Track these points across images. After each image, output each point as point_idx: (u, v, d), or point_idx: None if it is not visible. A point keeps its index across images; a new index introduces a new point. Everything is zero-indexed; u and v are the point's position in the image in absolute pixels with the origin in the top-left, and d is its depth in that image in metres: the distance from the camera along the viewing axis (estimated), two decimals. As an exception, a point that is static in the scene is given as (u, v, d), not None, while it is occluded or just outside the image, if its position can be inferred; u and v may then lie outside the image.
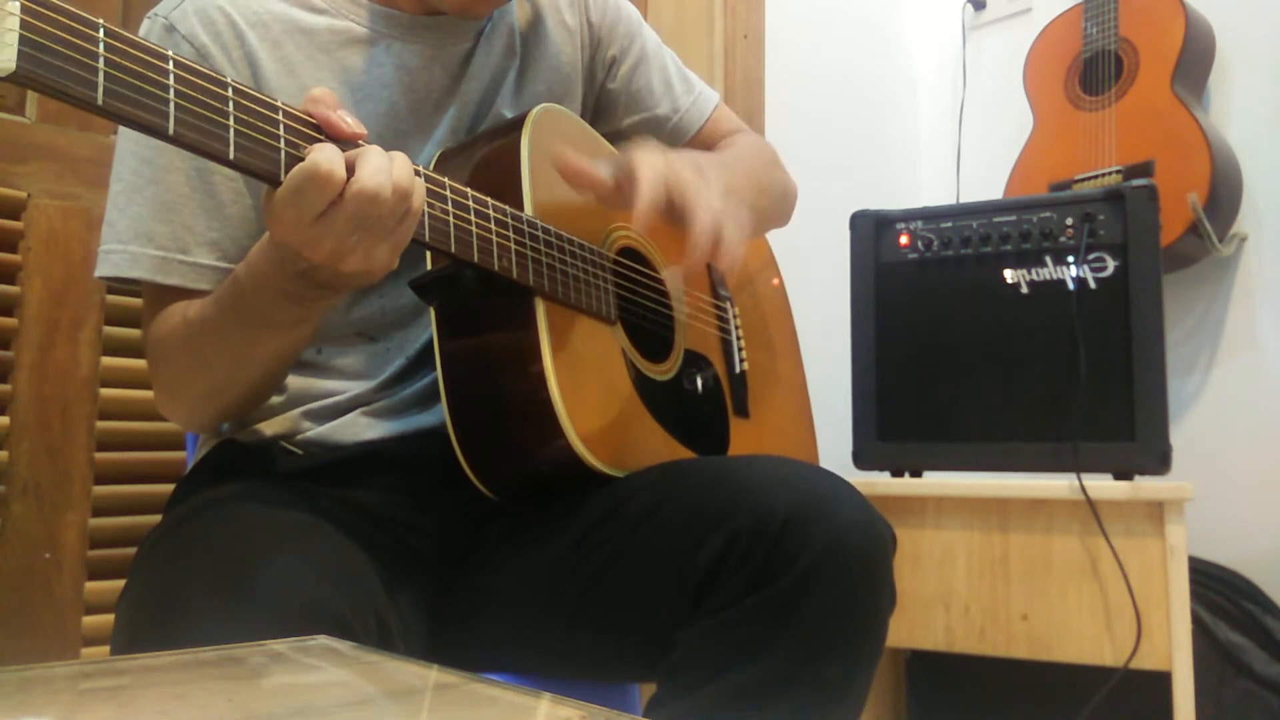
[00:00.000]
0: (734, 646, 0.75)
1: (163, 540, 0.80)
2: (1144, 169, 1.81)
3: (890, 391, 1.56)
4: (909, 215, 1.59)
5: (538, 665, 0.87)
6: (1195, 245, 1.80)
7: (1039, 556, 1.44)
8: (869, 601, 0.77)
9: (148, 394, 1.23)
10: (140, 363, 1.24)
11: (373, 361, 0.91)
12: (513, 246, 0.81)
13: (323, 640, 0.56)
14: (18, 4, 0.52)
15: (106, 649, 0.77)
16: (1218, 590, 1.71)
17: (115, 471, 1.23)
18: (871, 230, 1.59)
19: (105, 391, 1.23)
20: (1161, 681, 1.34)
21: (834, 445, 1.52)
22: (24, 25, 0.52)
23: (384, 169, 0.66)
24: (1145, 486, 1.38)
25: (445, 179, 0.77)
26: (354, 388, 0.89)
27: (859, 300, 1.59)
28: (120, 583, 0.79)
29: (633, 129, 1.10)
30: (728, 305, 1.13)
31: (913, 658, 1.71)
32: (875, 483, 1.55)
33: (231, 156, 0.62)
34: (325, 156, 0.64)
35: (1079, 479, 1.40)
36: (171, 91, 0.59)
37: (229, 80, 0.62)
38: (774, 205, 1.15)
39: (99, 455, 1.22)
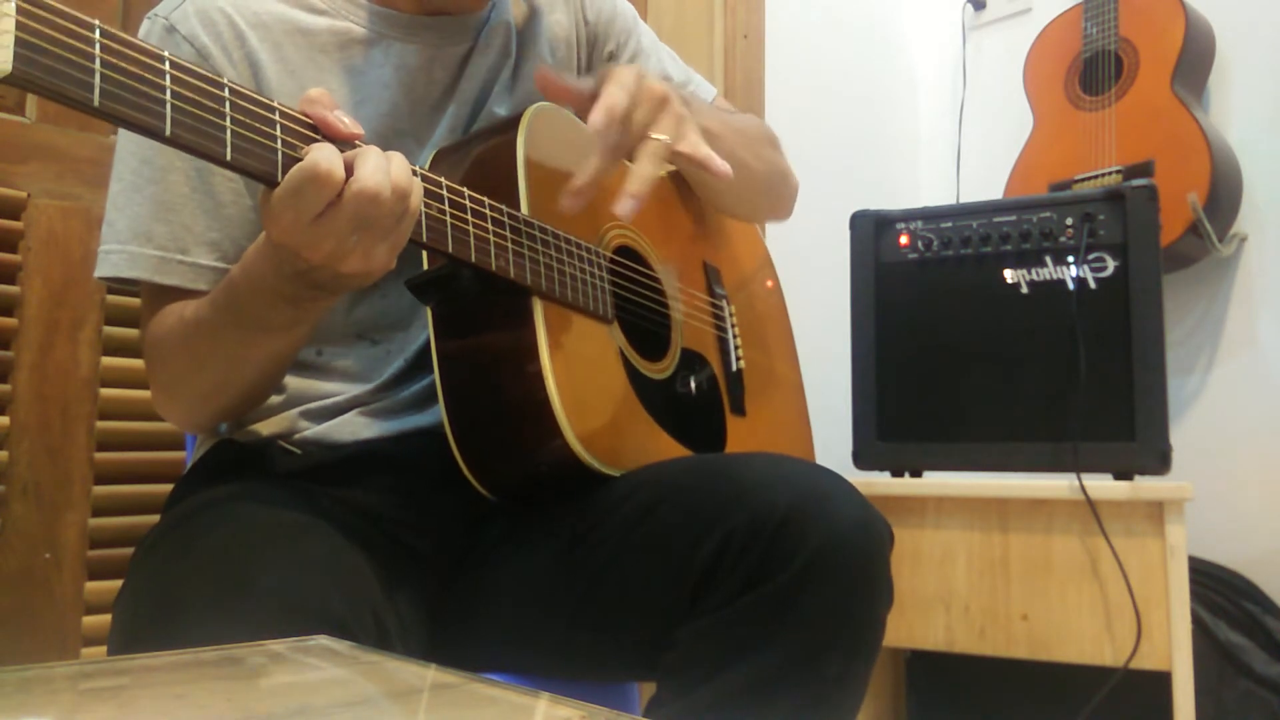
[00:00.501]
0: (732, 645, 0.75)
1: (161, 540, 0.80)
2: (1144, 169, 1.81)
3: (890, 391, 1.56)
4: (909, 215, 1.59)
5: (537, 665, 0.87)
6: (1195, 245, 1.80)
7: (1039, 556, 1.44)
8: (866, 599, 0.77)
9: (147, 394, 1.22)
10: (140, 363, 1.24)
11: (372, 363, 0.91)
12: (509, 246, 0.81)
13: (322, 640, 0.56)
14: (13, 5, 0.51)
15: (106, 649, 0.77)
16: (1218, 590, 1.71)
17: (115, 471, 1.23)
18: (871, 230, 1.59)
19: (105, 391, 1.23)
20: (1161, 681, 1.34)
21: (834, 445, 1.52)
22: (20, 27, 0.52)
23: (383, 168, 0.66)
24: (1145, 486, 1.38)
25: (442, 179, 0.77)
26: (353, 389, 0.89)
27: (859, 300, 1.59)
28: (120, 583, 0.79)
29: None
30: (724, 304, 1.13)
31: (913, 658, 1.71)
32: (875, 483, 1.55)
33: (228, 157, 0.62)
34: (324, 156, 0.63)
35: (1079, 479, 1.39)
36: (168, 93, 0.59)
37: (225, 81, 0.62)
38: (768, 176, 1.12)
39: (99, 455, 1.22)
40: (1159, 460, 1.38)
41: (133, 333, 1.25)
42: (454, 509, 0.89)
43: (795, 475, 0.80)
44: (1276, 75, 1.90)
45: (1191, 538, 1.38)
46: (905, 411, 1.55)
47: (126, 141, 0.85)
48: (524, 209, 0.85)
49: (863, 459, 1.56)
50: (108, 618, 0.80)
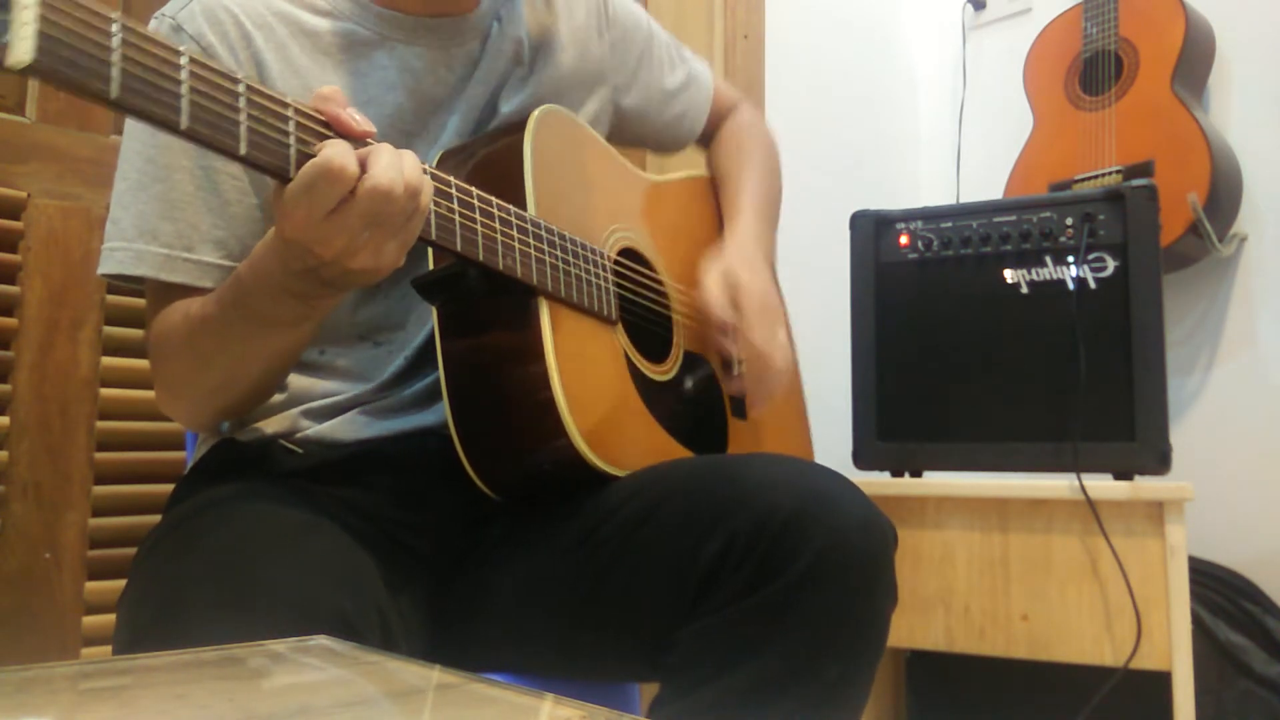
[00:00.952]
0: (735, 645, 0.75)
1: (163, 540, 0.80)
2: (1144, 169, 1.81)
3: (890, 391, 1.56)
4: (909, 215, 1.59)
5: (538, 665, 0.87)
6: (1195, 245, 1.80)
7: (1039, 556, 1.44)
8: (870, 600, 0.77)
9: (148, 394, 1.23)
10: (140, 363, 1.24)
11: (373, 363, 0.91)
12: (516, 245, 0.82)
13: (323, 640, 0.56)
14: None
15: (107, 649, 0.77)
16: (1218, 590, 1.71)
17: (115, 471, 1.23)
18: (871, 230, 1.59)
19: (105, 391, 1.23)
20: (1161, 681, 1.34)
21: (834, 445, 1.52)
22: (41, 19, 0.52)
23: (395, 165, 0.66)
24: (1145, 486, 1.38)
25: (451, 178, 0.78)
26: (354, 388, 0.89)
27: (859, 300, 1.59)
28: (120, 583, 0.79)
29: (663, 129, 1.17)
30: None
31: (913, 658, 1.71)
32: (875, 483, 1.55)
33: (243, 152, 0.62)
34: (338, 152, 0.64)
35: (1079, 479, 1.39)
36: (184, 87, 0.59)
37: (240, 77, 0.63)
38: (778, 207, 1.19)
39: (99, 455, 1.22)
40: (1159, 460, 1.38)
41: (133, 333, 1.25)
42: (455, 508, 0.89)
43: (799, 476, 0.80)
44: (1276, 75, 1.90)
45: (1191, 538, 1.38)
46: (905, 411, 1.55)
47: (132, 141, 0.85)
48: (531, 210, 0.85)
49: (863, 459, 1.56)
50: (108, 618, 0.80)
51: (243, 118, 0.62)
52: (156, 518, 0.87)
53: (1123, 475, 1.41)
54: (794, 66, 2.06)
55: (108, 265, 0.84)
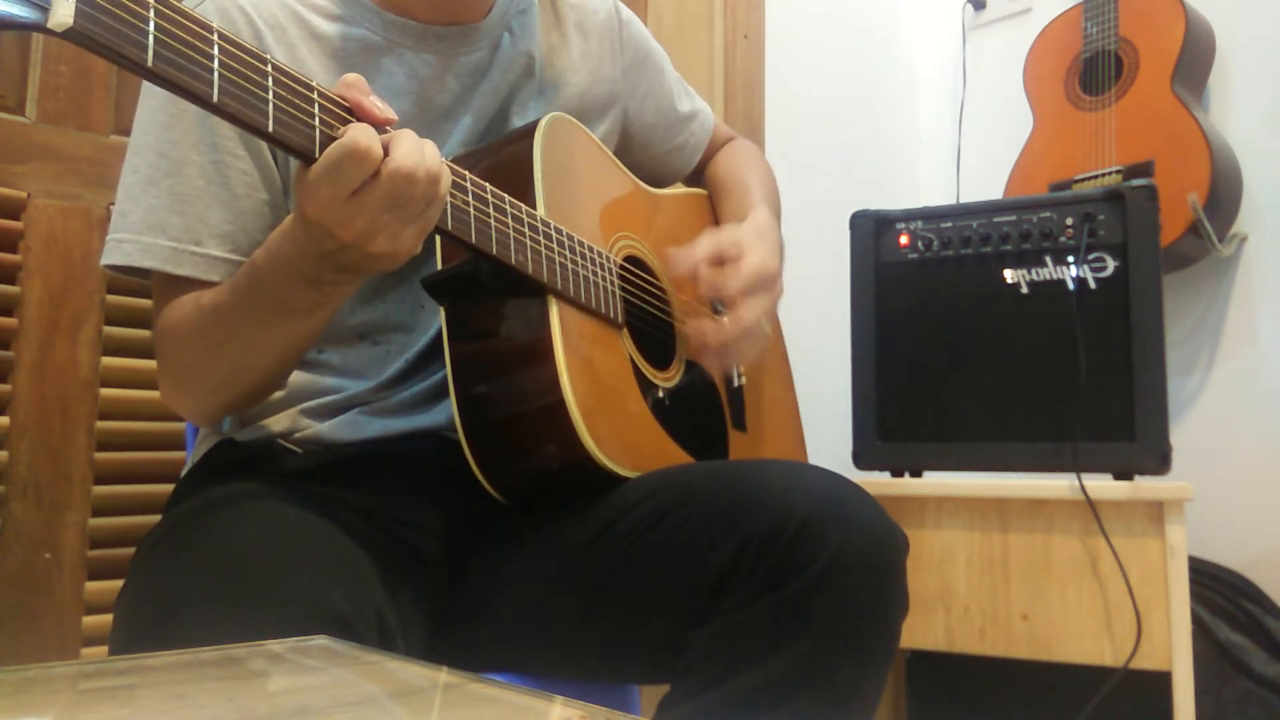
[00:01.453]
0: (747, 647, 0.75)
1: (162, 540, 0.80)
2: (1144, 169, 1.81)
3: (890, 391, 1.56)
4: (909, 215, 1.59)
5: (541, 665, 0.87)
6: (1195, 245, 1.80)
7: (1039, 556, 1.44)
8: (882, 605, 0.77)
9: (148, 394, 1.23)
10: (140, 362, 1.24)
11: (373, 362, 0.91)
12: (528, 243, 0.82)
13: (323, 640, 0.56)
14: None
15: (106, 649, 0.77)
16: (1218, 590, 1.71)
17: (115, 471, 1.23)
18: (871, 230, 1.59)
19: (105, 391, 1.23)
20: (1161, 681, 1.34)
21: (834, 445, 1.52)
22: None
23: (418, 150, 0.68)
24: (1145, 486, 1.38)
25: (467, 171, 0.78)
26: (353, 386, 0.90)
27: (859, 300, 1.59)
28: (120, 583, 0.79)
29: (661, 157, 1.17)
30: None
31: (913, 658, 1.71)
32: (875, 483, 1.55)
33: (270, 129, 0.63)
34: (364, 134, 0.66)
35: (1079, 479, 1.39)
36: (216, 61, 0.60)
37: (268, 57, 0.64)
38: (780, 219, 1.20)
39: (99, 455, 1.22)
40: (1159, 460, 1.38)
41: (133, 333, 1.25)
42: (456, 508, 0.89)
43: (814, 482, 0.80)
44: (1276, 75, 1.90)
45: (1191, 538, 1.38)
46: (905, 411, 1.55)
47: (144, 135, 0.85)
48: (540, 212, 0.86)
49: (863, 459, 1.56)
50: (108, 618, 0.80)
51: (270, 96, 0.63)
52: (156, 518, 0.87)
53: (1123, 475, 1.41)
54: (794, 66, 2.06)
55: (114, 256, 0.84)
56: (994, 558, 1.47)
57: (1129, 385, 1.40)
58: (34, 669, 0.48)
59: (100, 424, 1.22)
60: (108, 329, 1.23)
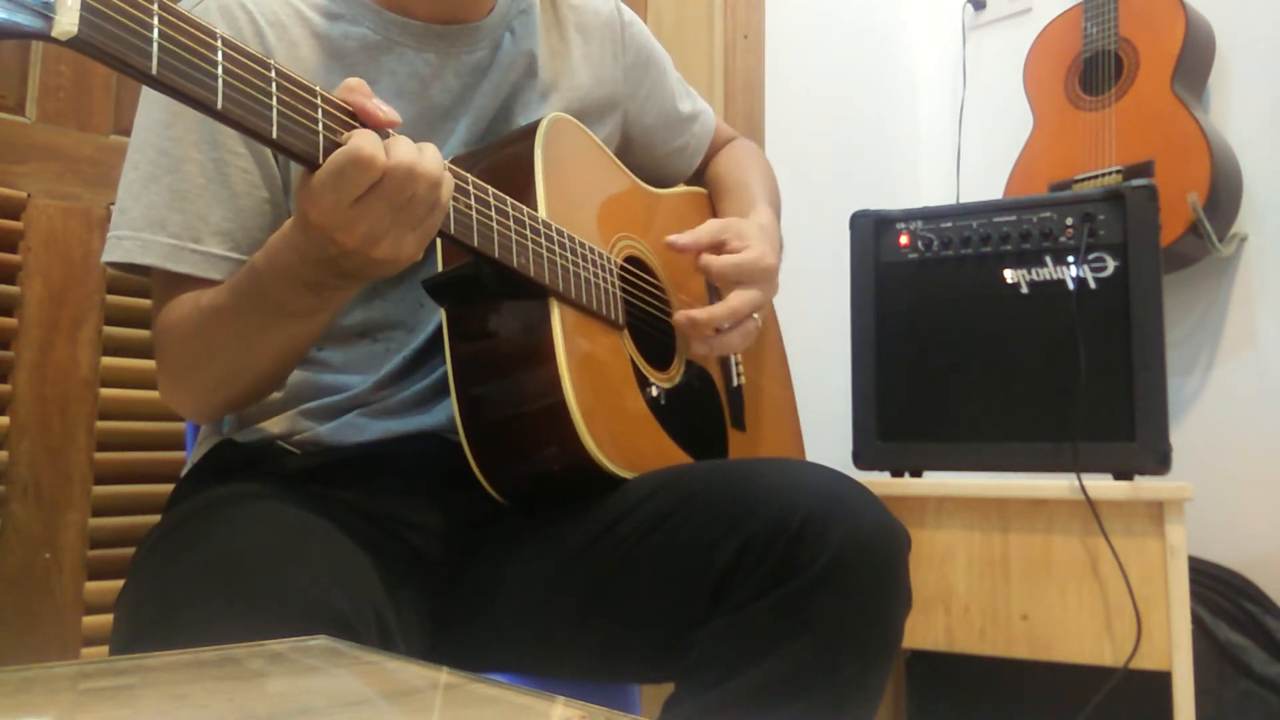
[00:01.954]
0: (750, 645, 0.75)
1: (162, 540, 0.80)
2: (1144, 169, 1.81)
3: (890, 391, 1.56)
4: (909, 215, 1.59)
5: (541, 665, 0.87)
6: (1195, 245, 1.80)
7: (1039, 556, 1.44)
8: (884, 602, 0.77)
9: (148, 394, 1.23)
10: (140, 363, 1.24)
11: (372, 359, 0.91)
12: (529, 245, 0.82)
13: (323, 640, 0.56)
14: None
15: (106, 649, 0.77)
16: (1218, 590, 1.71)
17: (115, 471, 1.23)
18: (871, 230, 1.59)
19: (105, 391, 1.23)
20: (1161, 681, 1.34)
21: (834, 445, 1.52)
22: None
23: (420, 156, 0.68)
24: (1145, 486, 1.38)
25: (468, 175, 0.78)
26: (352, 385, 0.89)
27: (859, 300, 1.59)
28: (120, 583, 0.79)
29: (662, 158, 1.17)
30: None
31: (913, 658, 1.71)
32: (875, 483, 1.55)
33: (274, 136, 0.63)
34: (368, 141, 0.65)
35: (1079, 479, 1.39)
36: (220, 68, 0.60)
37: (272, 62, 0.64)
38: (780, 219, 1.20)
39: (99, 455, 1.22)
40: (1159, 460, 1.38)
41: (133, 333, 1.25)
42: (456, 509, 0.89)
43: (815, 480, 0.80)
44: (1276, 75, 1.90)
45: (1191, 538, 1.38)
46: (905, 411, 1.55)
47: (145, 132, 0.85)
48: (541, 213, 0.86)
49: (863, 459, 1.56)
50: (108, 618, 0.80)
51: (274, 102, 0.63)
52: (156, 518, 0.87)
53: (1123, 475, 1.41)
54: (794, 66, 2.06)
55: (113, 253, 0.84)
56: (994, 558, 1.47)
57: (1129, 385, 1.40)
58: (34, 669, 0.48)
59: (100, 424, 1.22)
60: (108, 329, 1.23)
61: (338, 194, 0.66)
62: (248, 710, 0.41)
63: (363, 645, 0.58)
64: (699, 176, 1.23)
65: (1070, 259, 1.46)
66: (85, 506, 1.20)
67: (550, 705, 0.45)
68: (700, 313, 0.94)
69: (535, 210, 0.85)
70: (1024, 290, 1.49)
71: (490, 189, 0.80)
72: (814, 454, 1.25)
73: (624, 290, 0.95)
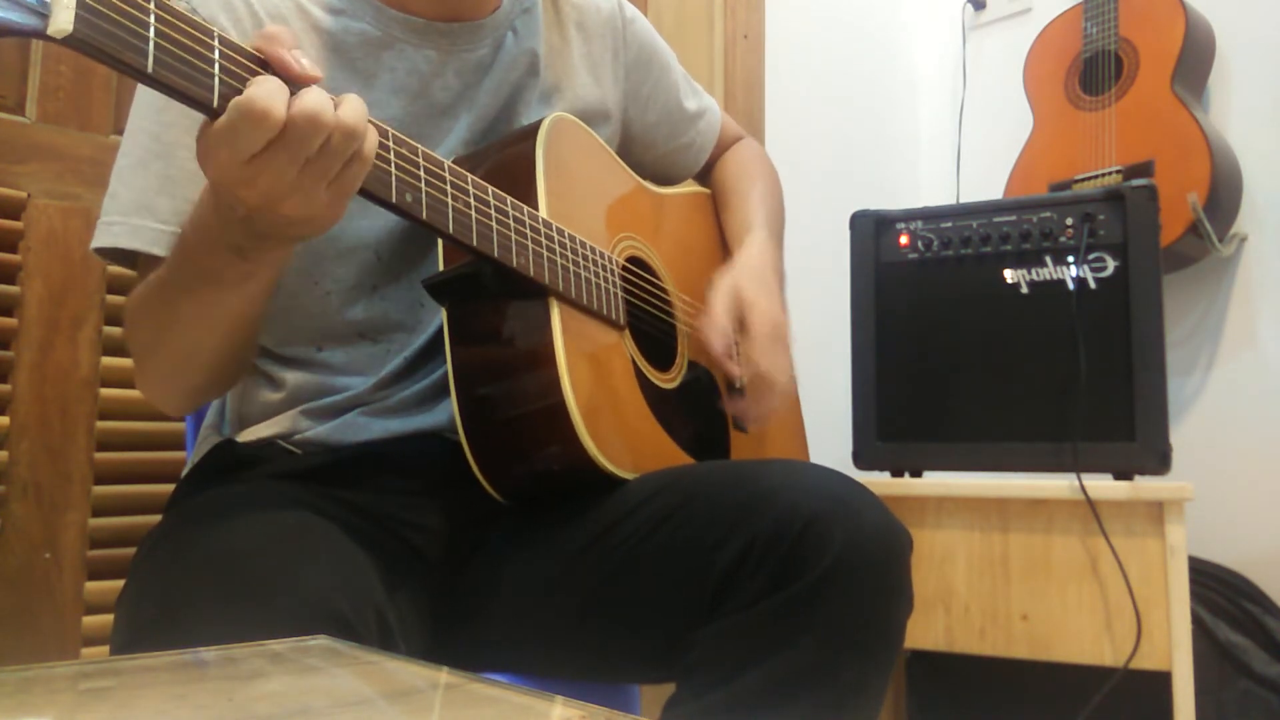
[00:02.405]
0: (753, 646, 0.75)
1: (162, 540, 0.80)
2: (1144, 169, 1.81)
3: (890, 391, 1.56)
4: (909, 215, 1.59)
5: (543, 665, 0.87)
6: (1195, 245, 1.80)
7: (1039, 556, 1.44)
8: (886, 605, 0.77)
9: (148, 394, 1.23)
10: (140, 363, 1.24)
11: (372, 360, 0.91)
12: (529, 245, 0.82)
13: (323, 640, 0.56)
14: None
15: (106, 649, 0.77)
16: (1218, 590, 1.71)
17: (115, 471, 1.23)
18: (871, 230, 1.59)
19: (105, 391, 1.23)
20: (1161, 681, 1.34)
21: (834, 445, 1.52)
22: None
23: (325, 104, 0.63)
24: (1145, 486, 1.38)
25: (468, 174, 0.78)
26: (352, 385, 0.89)
27: (859, 300, 1.59)
28: (120, 583, 0.79)
29: (666, 156, 1.16)
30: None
31: (913, 658, 1.71)
32: (875, 483, 1.55)
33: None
34: (263, 91, 0.61)
35: (1079, 479, 1.39)
36: (217, 66, 0.60)
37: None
38: (783, 228, 1.20)
39: (99, 455, 1.22)
40: (1159, 460, 1.38)
41: (133, 333, 1.25)
42: (457, 509, 0.89)
43: (818, 482, 0.80)
44: (1276, 75, 1.90)
45: (1191, 538, 1.38)
46: (905, 411, 1.55)
47: (138, 118, 0.85)
48: (543, 213, 0.86)
49: (863, 459, 1.56)
50: (108, 618, 0.80)
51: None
52: (156, 518, 0.87)
53: (1123, 475, 1.41)
54: (794, 66, 2.06)
55: (103, 239, 0.83)
56: (994, 558, 1.47)
57: (1129, 385, 1.40)
58: (34, 669, 0.48)
59: (100, 424, 1.22)
60: (108, 329, 1.23)
61: (233, 149, 0.62)
62: (248, 710, 0.41)
63: (363, 645, 0.58)
64: (706, 174, 1.23)
65: (1070, 259, 1.46)
66: (85, 506, 1.20)
67: (550, 705, 0.45)
68: (750, 408, 1.00)
69: (536, 210, 0.85)
70: (1024, 290, 1.49)
71: (490, 188, 0.80)
72: (814, 454, 1.26)
73: (625, 290, 0.95)
